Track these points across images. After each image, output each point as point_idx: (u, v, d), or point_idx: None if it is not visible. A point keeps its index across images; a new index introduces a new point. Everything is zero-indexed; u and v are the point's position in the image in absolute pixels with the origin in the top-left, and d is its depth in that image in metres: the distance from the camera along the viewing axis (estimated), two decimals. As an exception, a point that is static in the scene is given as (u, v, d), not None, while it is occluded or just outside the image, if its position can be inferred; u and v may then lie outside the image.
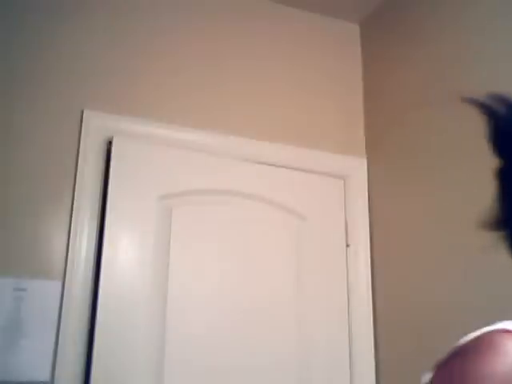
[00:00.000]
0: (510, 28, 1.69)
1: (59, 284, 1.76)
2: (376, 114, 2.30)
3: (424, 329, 1.85)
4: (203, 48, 2.19)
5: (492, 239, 0.61)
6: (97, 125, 1.94)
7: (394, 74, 2.23)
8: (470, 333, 0.59)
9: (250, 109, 2.19)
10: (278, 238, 2.06)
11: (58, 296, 1.75)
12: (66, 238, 1.81)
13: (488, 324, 0.60)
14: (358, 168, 2.27)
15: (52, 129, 1.89)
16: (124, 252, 1.85)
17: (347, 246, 2.17)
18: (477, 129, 0.83)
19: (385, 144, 2.22)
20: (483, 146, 0.66)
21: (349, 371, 2.03)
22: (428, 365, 0.62)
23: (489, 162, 0.64)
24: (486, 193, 0.67)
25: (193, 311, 1.87)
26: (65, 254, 1.79)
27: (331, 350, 2.03)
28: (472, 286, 1.67)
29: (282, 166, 2.14)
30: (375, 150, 2.27)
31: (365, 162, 2.29)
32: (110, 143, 1.95)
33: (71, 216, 1.83)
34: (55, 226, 1.82)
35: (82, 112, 1.94)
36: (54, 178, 1.85)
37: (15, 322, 1.69)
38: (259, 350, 1.92)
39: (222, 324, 1.89)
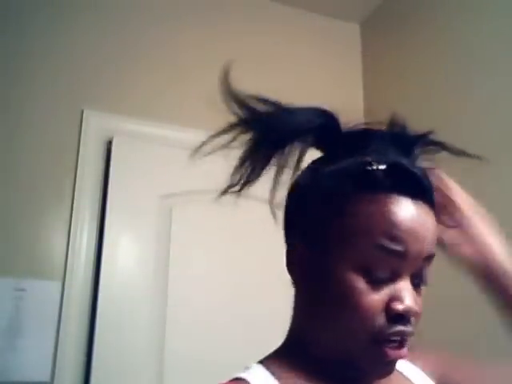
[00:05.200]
0: (509, 29, 1.69)
1: (59, 284, 1.76)
2: (376, 114, 2.29)
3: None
4: (203, 48, 2.18)
5: None
6: (97, 125, 1.94)
7: (394, 74, 2.23)
8: None
9: (250, 109, 2.19)
10: (278, 238, 2.06)
11: (58, 296, 1.75)
12: (66, 238, 1.81)
13: None
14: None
15: (52, 129, 1.89)
16: (124, 252, 1.85)
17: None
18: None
19: (385, 144, 2.21)
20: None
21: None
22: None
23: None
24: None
25: (193, 311, 1.87)
26: (65, 254, 1.79)
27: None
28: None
29: (282, 166, 2.14)
30: (375, 149, 2.27)
31: (365, 161, 2.28)
32: (109, 143, 1.95)
33: (71, 216, 1.83)
34: (55, 226, 1.82)
35: (82, 112, 1.94)
36: (54, 178, 1.85)
37: (15, 323, 1.69)
38: (260, 349, 1.92)
39: (223, 323, 1.89)
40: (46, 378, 1.68)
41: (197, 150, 0.70)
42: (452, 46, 1.93)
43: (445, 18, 1.99)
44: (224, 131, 0.68)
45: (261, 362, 0.70)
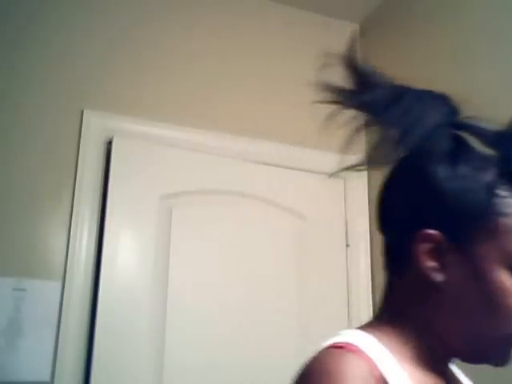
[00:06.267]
0: (509, 28, 1.69)
1: (59, 284, 1.76)
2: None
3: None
4: (203, 48, 2.18)
5: None
6: (97, 125, 1.94)
7: (393, 74, 2.23)
8: None
9: (251, 108, 2.19)
10: (278, 238, 2.06)
11: (58, 296, 1.75)
12: (66, 238, 1.81)
13: None
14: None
15: (52, 129, 1.89)
16: (124, 252, 1.85)
17: (347, 246, 2.17)
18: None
19: (385, 144, 2.21)
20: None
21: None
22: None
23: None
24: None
25: (193, 311, 1.87)
26: (65, 254, 1.79)
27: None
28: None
29: (282, 166, 2.14)
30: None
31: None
32: (109, 143, 1.95)
33: (71, 216, 1.83)
34: (55, 226, 1.82)
35: (82, 112, 1.94)
36: (54, 178, 1.85)
37: (15, 322, 1.69)
38: (259, 350, 1.92)
39: (223, 324, 1.89)
40: (46, 377, 1.68)
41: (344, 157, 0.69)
42: (452, 45, 1.93)
43: (444, 18, 1.99)
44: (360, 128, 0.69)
45: (361, 329, 0.68)
